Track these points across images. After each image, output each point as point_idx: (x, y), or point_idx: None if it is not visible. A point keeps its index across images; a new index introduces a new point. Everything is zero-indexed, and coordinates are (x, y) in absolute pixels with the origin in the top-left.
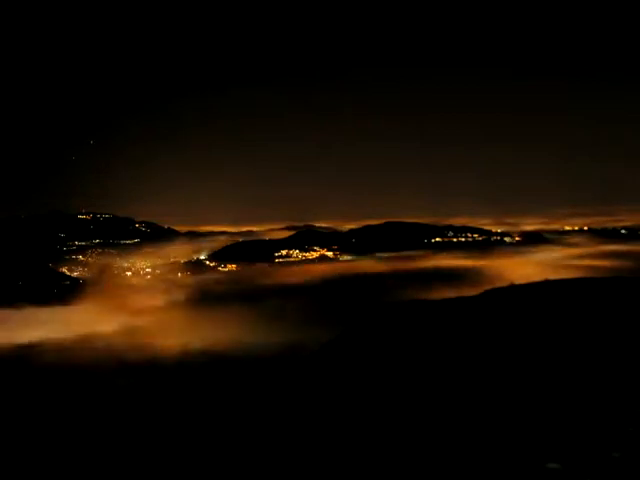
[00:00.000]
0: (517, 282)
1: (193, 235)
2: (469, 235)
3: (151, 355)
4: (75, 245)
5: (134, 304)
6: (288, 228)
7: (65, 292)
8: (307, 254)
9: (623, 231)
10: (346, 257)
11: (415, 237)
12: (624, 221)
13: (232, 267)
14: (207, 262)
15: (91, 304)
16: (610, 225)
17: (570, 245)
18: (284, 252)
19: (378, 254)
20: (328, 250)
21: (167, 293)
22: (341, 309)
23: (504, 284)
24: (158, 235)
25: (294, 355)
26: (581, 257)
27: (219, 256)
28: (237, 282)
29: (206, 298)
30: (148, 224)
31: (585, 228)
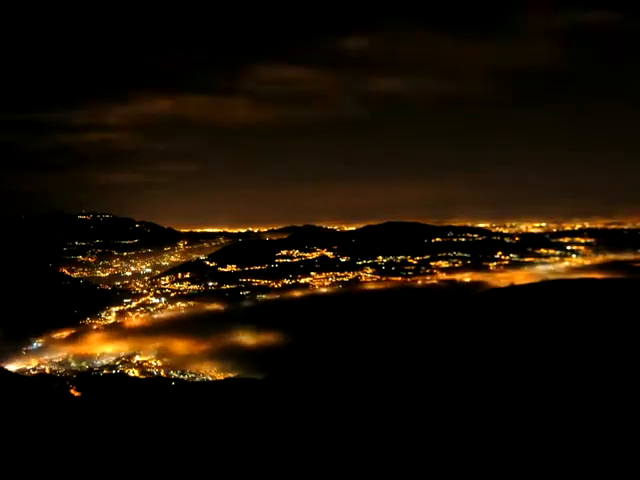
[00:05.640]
0: (517, 282)
1: (193, 235)
2: (469, 235)
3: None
4: (75, 245)
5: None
6: (288, 228)
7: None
8: (307, 254)
9: (624, 232)
10: (346, 258)
11: (415, 237)
12: (624, 223)
13: (232, 268)
14: (207, 263)
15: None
16: (611, 227)
17: (570, 246)
18: (284, 252)
19: (379, 256)
20: (328, 250)
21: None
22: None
23: (504, 284)
24: (158, 235)
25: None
26: (581, 258)
27: (219, 257)
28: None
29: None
30: (148, 224)
31: (586, 225)
